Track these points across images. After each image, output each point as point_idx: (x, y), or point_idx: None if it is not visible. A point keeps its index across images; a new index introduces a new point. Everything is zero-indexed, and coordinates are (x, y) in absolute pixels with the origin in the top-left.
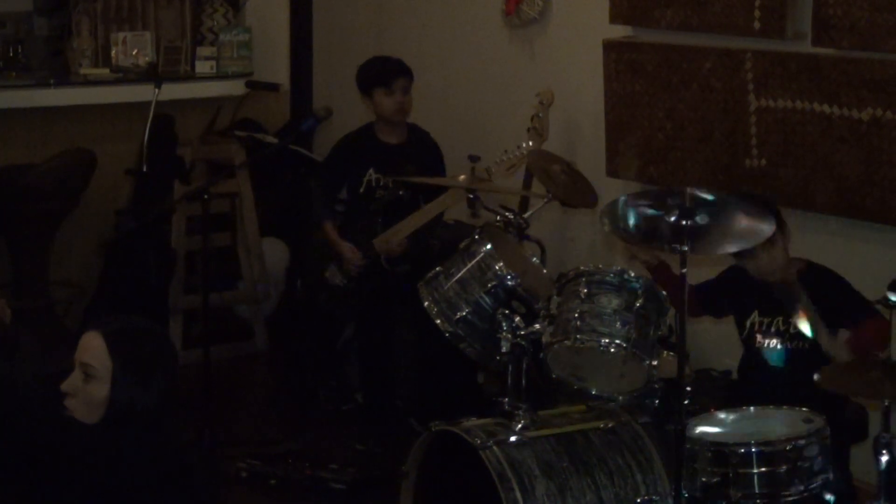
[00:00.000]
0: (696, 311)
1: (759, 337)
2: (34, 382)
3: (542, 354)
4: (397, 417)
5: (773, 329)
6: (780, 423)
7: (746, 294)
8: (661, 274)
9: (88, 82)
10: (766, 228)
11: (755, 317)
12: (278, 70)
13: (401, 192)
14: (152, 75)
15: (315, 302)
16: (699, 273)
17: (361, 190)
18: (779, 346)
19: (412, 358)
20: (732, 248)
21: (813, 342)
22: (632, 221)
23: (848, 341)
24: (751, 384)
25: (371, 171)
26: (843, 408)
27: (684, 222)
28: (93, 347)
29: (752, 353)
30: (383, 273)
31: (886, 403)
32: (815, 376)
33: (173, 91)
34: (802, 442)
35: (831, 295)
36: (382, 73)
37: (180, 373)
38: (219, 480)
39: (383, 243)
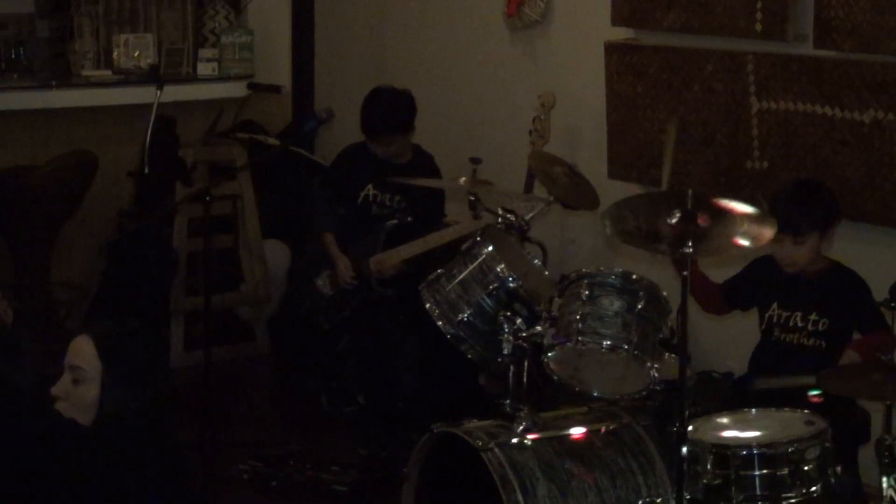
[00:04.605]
0: (724, 309)
1: (777, 330)
2: (34, 384)
3: (543, 356)
4: (399, 421)
5: (790, 324)
6: (781, 425)
7: (768, 286)
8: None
9: (90, 84)
10: (768, 231)
11: (774, 309)
12: (280, 72)
13: (409, 219)
14: (154, 77)
15: (298, 309)
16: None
17: (359, 202)
18: (794, 342)
19: (414, 361)
20: (734, 251)
21: (830, 342)
22: (633, 223)
23: (852, 345)
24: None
25: (370, 186)
26: (851, 409)
27: (686, 225)
28: (82, 350)
29: (769, 346)
30: (370, 292)
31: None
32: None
33: (175, 93)
34: (804, 444)
35: (849, 298)
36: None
37: (181, 375)
38: (216, 481)
39: (379, 263)
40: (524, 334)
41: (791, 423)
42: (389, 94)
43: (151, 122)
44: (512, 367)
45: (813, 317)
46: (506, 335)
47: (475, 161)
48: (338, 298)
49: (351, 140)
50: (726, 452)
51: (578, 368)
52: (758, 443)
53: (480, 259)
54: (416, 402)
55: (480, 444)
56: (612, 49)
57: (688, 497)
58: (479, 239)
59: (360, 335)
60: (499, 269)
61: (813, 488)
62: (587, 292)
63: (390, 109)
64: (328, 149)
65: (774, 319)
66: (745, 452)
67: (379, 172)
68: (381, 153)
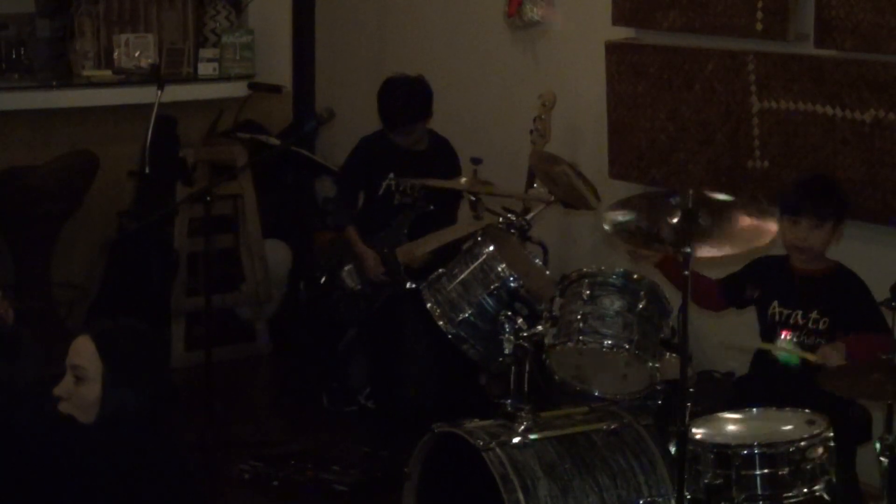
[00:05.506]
0: (720, 305)
1: (777, 328)
2: (35, 384)
3: (544, 356)
4: (407, 418)
5: (790, 322)
6: (782, 424)
7: (769, 284)
8: (669, 266)
9: (91, 84)
10: (769, 230)
11: (775, 307)
12: (281, 72)
13: (431, 207)
14: (155, 77)
15: (323, 302)
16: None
17: (380, 193)
18: (794, 340)
19: (435, 364)
20: (735, 250)
21: (830, 341)
22: (634, 223)
23: (847, 342)
24: (761, 377)
25: (391, 176)
26: (850, 408)
27: (687, 224)
28: (83, 350)
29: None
30: (400, 285)
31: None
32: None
33: (176, 93)
34: (805, 443)
35: (851, 301)
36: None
37: (182, 375)
38: (217, 481)
39: (407, 255)
40: (525, 334)
41: (792, 423)
42: (404, 83)
43: (152, 122)
44: (513, 367)
45: (814, 315)
46: (507, 335)
47: (476, 161)
48: (368, 292)
49: (352, 139)
50: (727, 452)
51: (579, 368)
52: (759, 442)
53: (482, 259)
54: (422, 402)
55: (481, 443)
56: (612, 49)
57: (689, 497)
58: (480, 239)
59: (380, 330)
60: (500, 269)
61: (814, 487)
62: (588, 292)
63: (407, 99)
64: (329, 149)
65: (776, 318)
66: (746, 452)
67: (400, 161)
68: (402, 142)
